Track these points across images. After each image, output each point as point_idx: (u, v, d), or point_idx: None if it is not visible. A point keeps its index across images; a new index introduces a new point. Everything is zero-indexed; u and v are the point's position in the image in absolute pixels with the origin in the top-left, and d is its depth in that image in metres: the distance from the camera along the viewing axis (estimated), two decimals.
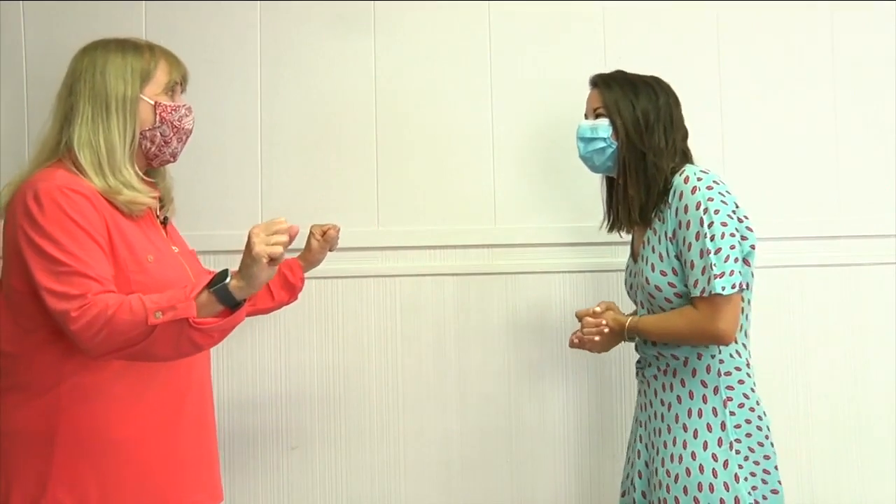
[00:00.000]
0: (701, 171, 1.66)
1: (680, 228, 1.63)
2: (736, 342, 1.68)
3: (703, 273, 1.59)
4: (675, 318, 1.66)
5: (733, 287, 1.59)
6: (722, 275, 1.58)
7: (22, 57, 2.07)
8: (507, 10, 2.16)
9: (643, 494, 1.75)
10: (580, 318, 1.79)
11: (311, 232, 1.88)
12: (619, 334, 1.76)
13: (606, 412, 2.13)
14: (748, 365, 1.69)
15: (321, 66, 2.13)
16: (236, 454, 2.08)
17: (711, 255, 1.59)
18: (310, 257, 1.90)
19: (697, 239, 1.60)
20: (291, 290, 1.88)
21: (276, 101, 2.12)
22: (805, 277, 2.19)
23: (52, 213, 1.39)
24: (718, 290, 1.58)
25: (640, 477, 1.76)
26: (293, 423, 2.10)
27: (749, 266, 1.67)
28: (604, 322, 1.74)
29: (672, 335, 1.67)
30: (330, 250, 1.92)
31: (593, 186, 2.04)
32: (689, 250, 1.62)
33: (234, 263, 1.97)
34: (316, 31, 2.13)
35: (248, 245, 1.35)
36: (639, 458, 1.77)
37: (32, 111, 2.05)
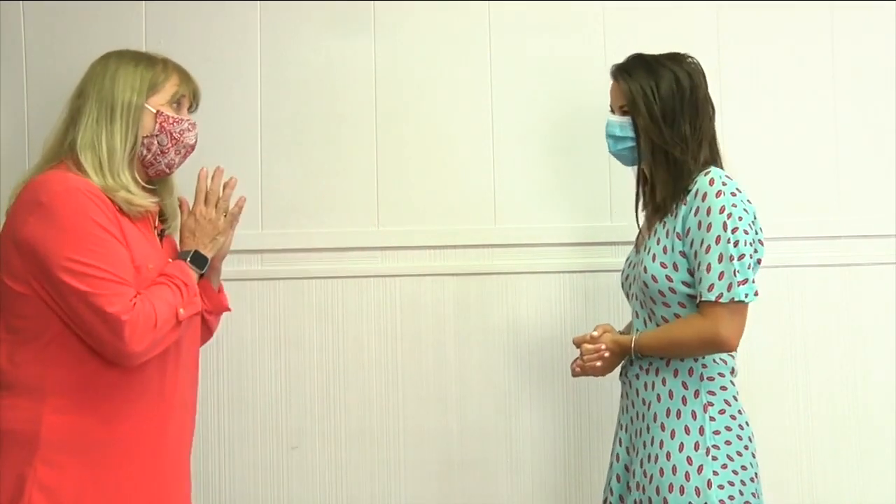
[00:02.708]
0: (726, 176, 1.64)
1: (699, 229, 1.60)
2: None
3: (721, 278, 1.56)
4: (678, 328, 1.64)
5: (756, 294, 1.58)
6: (745, 282, 1.57)
7: (22, 57, 2.07)
8: (507, 10, 2.16)
9: (620, 498, 1.73)
10: (578, 345, 1.77)
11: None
12: (619, 355, 1.74)
13: (606, 412, 2.12)
14: (733, 373, 1.68)
15: (321, 66, 2.13)
16: (236, 454, 2.08)
17: (735, 262, 1.56)
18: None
19: (718, 243, 1.57)
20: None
21: (276, 101, 2.12)
22: (805, 277, 2.18)
23: (74, 217, 1.41)
24: (741, 297, 1.56)
25: (618, 481, 1.74)
26: (293, 423, 2.10)
27: None
28: (603, 347, 1.72)
29: (677, 346, 1.64)
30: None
31: (593, 186, 2.04)
32: (706, 252, 1.58)
33: (233, 264, 1.98)
34: (316, 31, 2.13)
35: (202, 216, 1.61)
36: (618, 461, 1.76)
37: (32, 111, 2.05)
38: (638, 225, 1.84)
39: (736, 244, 1.57)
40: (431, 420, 2.12)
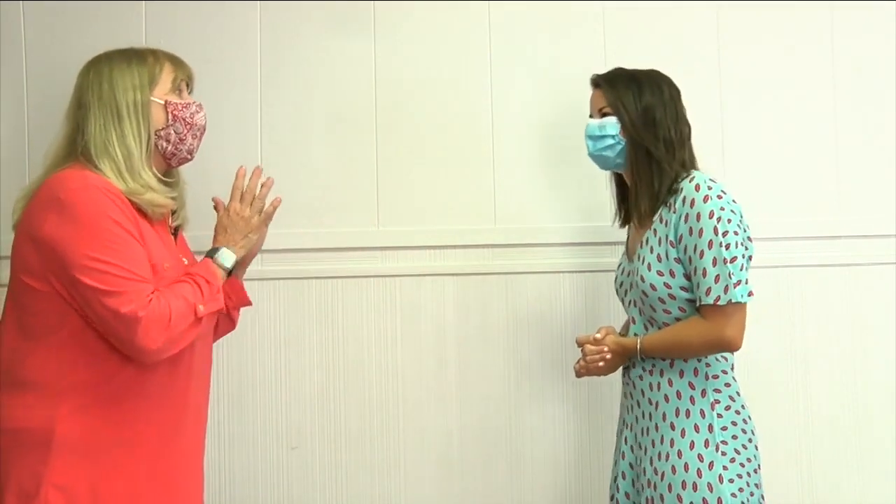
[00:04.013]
0: (710, 179, 1.67)
1: (690, 235, 1.63)
2: None
3: (717, 281, 1.60)
4: (682, 331, 1.67)
5: (750, 295, 1.62)
6: (739, 283, 1.60)
7: (22, 57, 2.07)
8: (508, 10, 2.16)
9: (626, 496, 1.77)
10: (581, 345, 1.80)
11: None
12: (622, 356, 1.76)
13: (606, 412, 2.12)
14: (732, 368, 1.72)
15: (321, 66, 2.13)
16: (236, 454, 2.08)
17: (728, 265, 1.60)
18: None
19: (711, 247, 1.61)
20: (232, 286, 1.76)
21: (276, 101, 2.12)
22: (805, 277, 2.18)
23: (92, 215, 1.41)
24: (738, 299, 1.60)
25: (623, 478, 1.78)
26: (293, 423, 2.10)
27: None
28: (605, 348, 1.75)
29: (681, 348, 1.67)
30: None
31: (593, 186, 2.04)
32: (700, 258, 1.62)
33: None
34: (316, 31, 2.13)
35: (236, 213, 1.64)
36: (623, 459, 1.79)
37: (32, 111, 2.05)
38: (628, 232, 1.87)
39: (728, 247, 1.60)
40: (431, 420, 2.12)
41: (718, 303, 1.60)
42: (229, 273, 1.62)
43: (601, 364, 1.75)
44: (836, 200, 2.21)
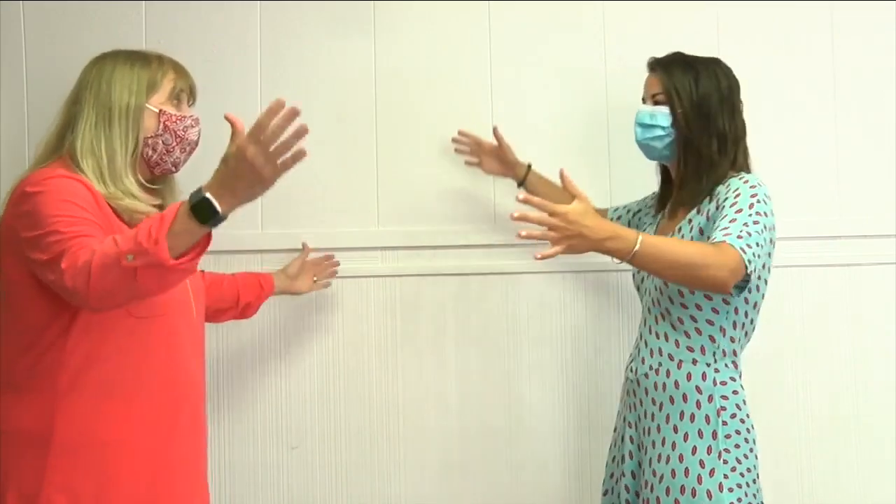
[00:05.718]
0: (761, 181, 1.63)
1: (725, 205, 1.57)
2: (735, 354, 1.67)
3: (737, 232, 1.50)
4: (686, 243, 1.57)
5: (750, 271, 1.50)
6: (751, 247, 1.50)
7: (22, 57, 2.07)
8: (507, 9, 2.16)
9: (637, 495, 1.73)
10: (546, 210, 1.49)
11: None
12: (596, 239, 1.45)
13: (606, 412, 2.12)
14: (741, 377, 1.68)
15: (321, 65, 2.13)
16: (236, 454, 2.08)
17: (752, 227, 1.52)
18: (292, 277, 2.00)
19: (740, 213, 1.54)
20: (259, 292, 1.93)
21: None
22: (805, 277, 2.18)
23: (45, 198, 1.39)
24: (745, 255, 1.48)
25: (633, 478, 1.74)
26: (293, 423, 2.10)
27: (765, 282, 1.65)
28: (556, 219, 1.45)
29: (676, 258, 1.48)
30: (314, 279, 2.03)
31: (594, 186, 2.04)
32: (732, 209, 1.54)
33: (234, 264, 1.98)
34: (316, 30, 2.13)
35: (246, 158, 1.24)
36: (631, 458, 1.75)
37: (32, 111, 2.05)
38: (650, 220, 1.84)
39: (756, 222, 1.54)
40: (431, 420, 2.12)
41: (728, 240, 1.49)
42: (209, 223, 1.29)
43: (558, 236, 1.46)
44: (836, 200, 2.21)
